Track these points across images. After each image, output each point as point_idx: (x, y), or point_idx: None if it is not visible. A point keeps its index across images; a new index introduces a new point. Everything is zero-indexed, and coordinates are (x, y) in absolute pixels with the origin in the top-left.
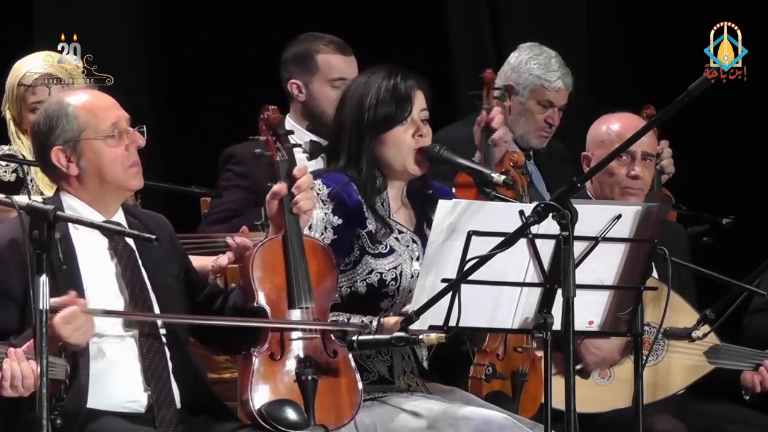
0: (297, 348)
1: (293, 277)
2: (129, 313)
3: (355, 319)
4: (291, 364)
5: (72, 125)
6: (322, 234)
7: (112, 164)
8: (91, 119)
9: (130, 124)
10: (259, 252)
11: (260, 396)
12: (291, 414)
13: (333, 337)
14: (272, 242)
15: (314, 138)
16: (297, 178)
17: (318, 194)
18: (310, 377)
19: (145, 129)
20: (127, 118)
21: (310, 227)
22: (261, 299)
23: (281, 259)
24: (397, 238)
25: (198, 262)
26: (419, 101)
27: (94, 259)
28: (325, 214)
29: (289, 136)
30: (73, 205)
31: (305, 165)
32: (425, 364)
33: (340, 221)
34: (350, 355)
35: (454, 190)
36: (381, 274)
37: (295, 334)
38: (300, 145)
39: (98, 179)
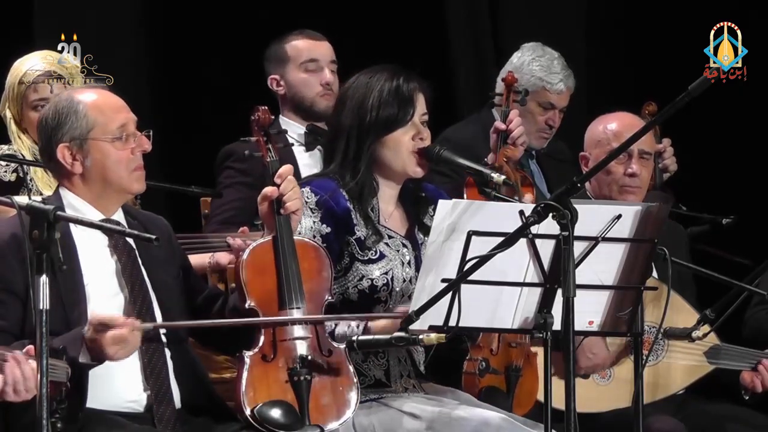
0: (290, 349)
1: (284, 279)
2: (175, 324)
3: (342, 326)
4: (284, 365)
5: (81, 123)
6: None
7: (116, 166)
8: (100, 119)
9: (137, 127)
10: (250, 254)
11: (252, 398)
12: (282, 415)
13: (327, 336)
14: (263, 244)
15: (306, 131)
16: (281, 182)
17: (306, 202)
18: (303, 377)
19: (151, 133)
20: (135, 121)
21: (299, 234)
22: (252, 301)
23: (272, 260)
24: (387, 244)
25: (195, 260)
26: (421, 104)
27: (95, 256)
28: (314, 222)
29: (280, 135)
30: (73, 202)
31: (290, 166)
32: (422, 368)
33: (328, 229)
34: (346, 353)
35: (465, 190)
36: (372, 280)
37: (288, 335)
38: (292, 145)
39: (102, 180)
